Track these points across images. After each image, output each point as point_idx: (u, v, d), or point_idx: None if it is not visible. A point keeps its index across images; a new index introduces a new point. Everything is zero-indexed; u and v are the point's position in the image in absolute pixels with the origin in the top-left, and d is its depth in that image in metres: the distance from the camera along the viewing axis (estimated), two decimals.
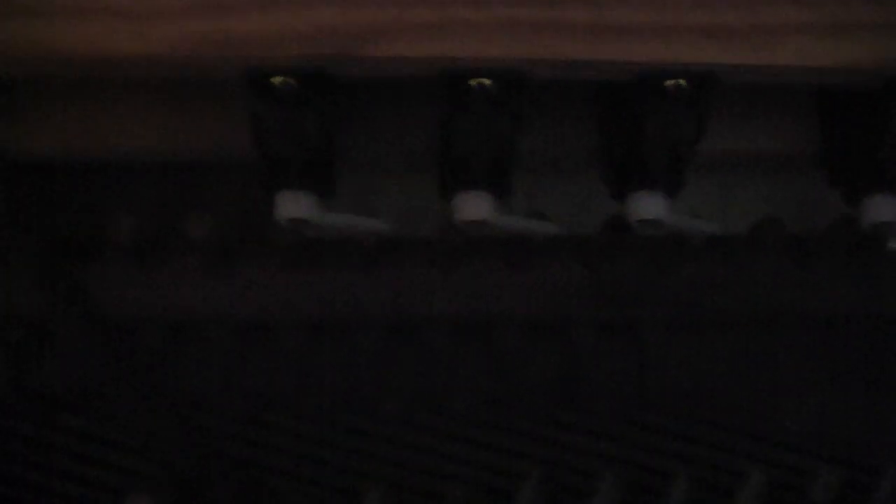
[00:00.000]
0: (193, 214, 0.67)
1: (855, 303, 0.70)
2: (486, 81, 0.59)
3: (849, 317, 0.70)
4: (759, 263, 0.70)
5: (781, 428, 0.71)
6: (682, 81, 0.60)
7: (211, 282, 0.66)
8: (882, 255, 0.69)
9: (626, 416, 0.71)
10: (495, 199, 0.63)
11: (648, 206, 0.64)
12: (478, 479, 0.70)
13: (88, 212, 0.68)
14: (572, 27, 0.59)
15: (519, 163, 0.64)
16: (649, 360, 0.70)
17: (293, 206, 0.62)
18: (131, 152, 0.64)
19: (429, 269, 0.67)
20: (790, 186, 0.74)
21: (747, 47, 0.60)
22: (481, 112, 0.59)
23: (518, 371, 0.69)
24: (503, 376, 0.70)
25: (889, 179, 0.65)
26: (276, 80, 0.58)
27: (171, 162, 0.66)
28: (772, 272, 0.70)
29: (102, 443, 0.68)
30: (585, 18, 0.59)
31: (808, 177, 0.70)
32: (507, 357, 0.70)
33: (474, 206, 0.63)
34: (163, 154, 0.65)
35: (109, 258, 0.67)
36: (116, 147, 0.64)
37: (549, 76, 0.60)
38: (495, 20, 0.59)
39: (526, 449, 0.71)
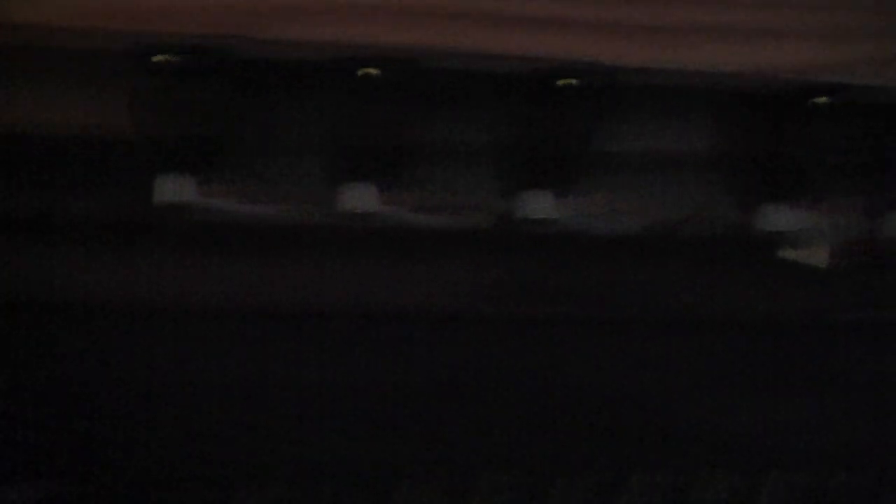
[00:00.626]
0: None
1: (746, 307, 0.70)
2: (374, 71, 0.57)
3: (741, 320, 0.70)
4: (656, 266, 0.70)
5: (675, 428, 0.71)
6: (573, 81, 0.59)
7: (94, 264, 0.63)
8: (775, 262, 0.69)
9: (517, 415, 0.70)
10: (384, 190, 0.61)
11: (539, 204, 0.63)
12: (362, 472, 0.68)
13: None
14: (475, 17, 0.58)
15: (414, 154, 0.62)
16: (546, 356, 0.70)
17: (172, 190, 0.60)
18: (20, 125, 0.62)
19: (319, 259, 0.65)
20: (689, 190, 0.74)
21: (652, 48, 0.59)
22: (369, 101, 0.58)
23: (408, 364, 0.68)
24: (390, 368, 0.69)
25: (786, 190, 0.65)
26: (160, 57, 0.56)
27: (58, 136, 0.63)
28: (667, 274, 0.70)
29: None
30: (491, 8, 0.58)
31: (707, 182, 0.69)
32: (394, 349, 0.69)
33: (361, 198, 0.61)
34: (51, 128, 0.62)
35: None
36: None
37: (449, 66, 0.58)
38: (398, 6, 0.57)
39: (414, 443, 0.70)
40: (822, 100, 0.61)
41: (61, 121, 0.62)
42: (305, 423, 0.69)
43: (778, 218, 0.65)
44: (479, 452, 0.71)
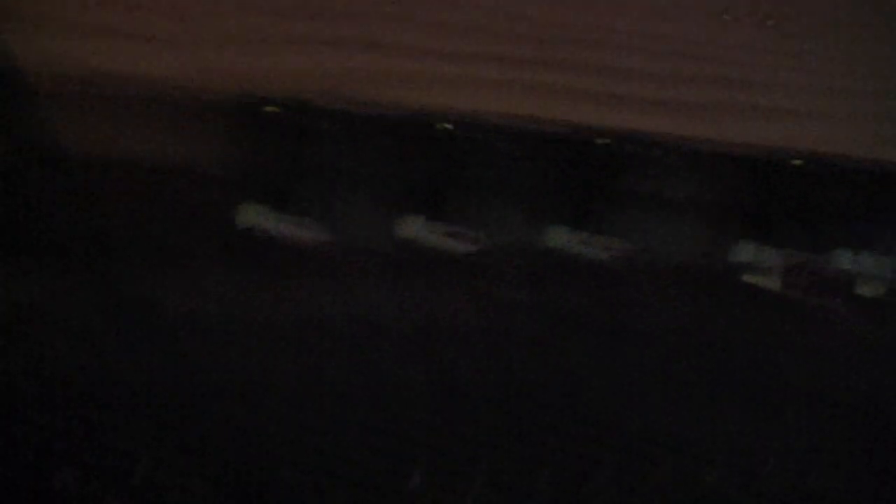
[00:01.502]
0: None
1: (708, 324, 0.82)
2: (450, 127, 0.67)
3: (699, 336, 0.82)
4: (633, 287, 0.81)
5: (629, 427, 0.82)
6: (608, 141, 0.70)
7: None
8: (739, 288, 0.80)
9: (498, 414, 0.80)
10: (436, 222, 0.72)
11: (564, 236, 0.74)
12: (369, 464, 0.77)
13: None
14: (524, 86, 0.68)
15: (463, 192, 0.72)
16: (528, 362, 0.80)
17: (254, 216, 0.69)
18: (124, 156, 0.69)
19: (371, 279, 0.75)
20: (666, 224, 0.86)
21: (663, 118, 0.71)
22: (438, 152, 0.68)
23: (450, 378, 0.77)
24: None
25: (752, 229, 0.77)
26: (271, 108, 0.65)
27: (153, 167, 0.71)
28: (642, 295, 0.81)
29: None
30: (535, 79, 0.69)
31: (683, 218, 0.81)
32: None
33: (417, 228, 0.71)
34: (148, 160, 0.70)
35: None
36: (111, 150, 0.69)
37: (506, 127, 0.69)
38: (463, 75, 0.67)
39: (410, 436, 0.78)
40: (797, 163, 0.74)
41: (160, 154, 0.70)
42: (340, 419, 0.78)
43: (753, 254, 0.77)
44: (474, 445, 0.81)
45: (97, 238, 0.73)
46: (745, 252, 0.77)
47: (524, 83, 0.66)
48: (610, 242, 0.80)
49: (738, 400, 0.85)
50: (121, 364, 0.71)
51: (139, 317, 0.74)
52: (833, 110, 0.75)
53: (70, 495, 0.70)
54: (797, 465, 0.88)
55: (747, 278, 0.81)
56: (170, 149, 0.69)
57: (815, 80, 0.72)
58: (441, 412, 0.80)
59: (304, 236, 0.70)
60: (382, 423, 0.80)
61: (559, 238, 0.73)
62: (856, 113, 0.76)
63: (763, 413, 0.87)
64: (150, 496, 0.73)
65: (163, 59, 0.61)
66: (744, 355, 0.87)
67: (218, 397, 0.76)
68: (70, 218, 0.73)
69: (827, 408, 0.88)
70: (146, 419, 0.73)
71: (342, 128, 0.72)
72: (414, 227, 0.70)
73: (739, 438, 0.86)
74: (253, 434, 0.77)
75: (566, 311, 0.80)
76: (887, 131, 0.77)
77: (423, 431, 0.81)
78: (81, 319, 0.71)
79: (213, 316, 0.76)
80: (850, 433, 0.90)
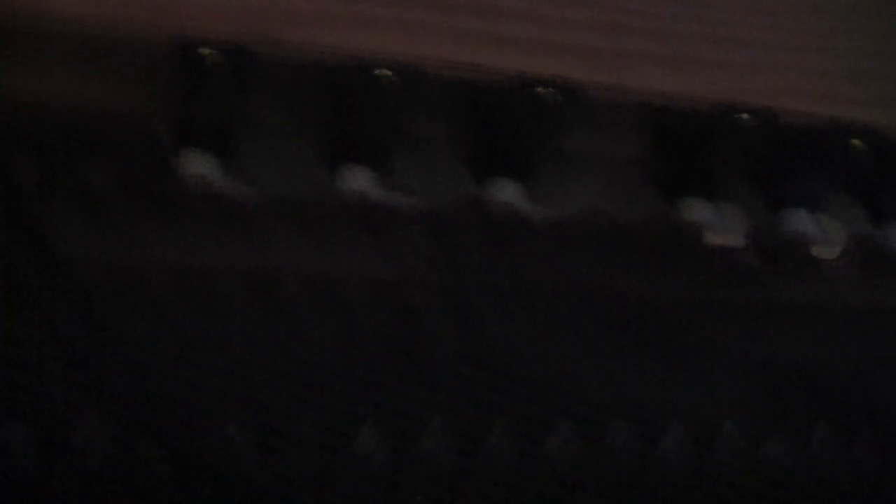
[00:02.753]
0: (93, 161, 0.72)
1: (665, 286, 0.81)
2: (388, 73, 0.67)
3: (657, 297, 0.81)
4: (584, 246, 0.81)
5: (585, 386, 0.82)
6: (552, 90, 0.70)
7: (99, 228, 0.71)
8: (696, 248, 0.80)
9: (454, 370, 0.80)
10: (374, 173, 0.71)
11: (506, 192, 0.73)
12: (322, 421, 0.77)
13: None
14: (465, 33, 0.68)
15: (398, 143, 0.72)
16: (477, 320, 0.80)
17: (198, 164, 0.68)
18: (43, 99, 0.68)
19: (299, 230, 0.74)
20: (615, 183, 0.85)
21: (608, 69, 0.70)
22: (373, 99, 0.67)
23: (363, 325, 0.77)
24: (350, 329, 0.78)
25: (701, 186, 0.77)
26: (206, 52, 0.64)
27: (80, 111, 0.70)
28: (594, 255, 0.81)
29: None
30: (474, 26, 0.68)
31: (632, 177, 0.81)
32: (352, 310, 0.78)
33: (356, 179, 0.71)
34: (73, 103, 0.69)
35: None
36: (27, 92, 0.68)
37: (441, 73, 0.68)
38: (401, 20, 0.67)
39: (366, 395, 0.79)
40: (744, 117, 0.73)
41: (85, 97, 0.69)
42: (275, 373, 0.78)
43: (689, 209, 0.77)
44: (423, 402, 0.81)
45: (22, 186, 0.72)
46: (694, 209, 0.76)
47: (464, 30, 0.65)
48: (552, 197, 0.80)
49: (688, 364, 0.85)
50: (47, 320, 0.70)
51: (68, 271, 0.73)
52: (783, 66, 0.74)
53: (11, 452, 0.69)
54: (751, 432, 0.88)
55: (709, 238, 0.80)
56: (100, 91, 0.68)
57: (760, 35, 0.71)
58: (390, 370, 0.80)
59: (241, 184, 0.69)
60: (324, 379, 0.80)
61: (501, 192, 0.72)
62: (807, 69, 0.75)
63: (716, 379, 0.87)
64: (87, 455, 0.73)
65: None
66: (697, 319, 0.87)
67: (152, 354, 0.75)
68: None
69: (779, 374, 0.88)
70: (74, 377, 0.72)
71: (278, 73, 0.71)
72: (353, 178, 0.69)
73: (691, 404, 0.86)
74: (190, 391, 0.76)
75: (511, 270, 0.80)
76: (837, 88, 0.76)
77: (370, 389, 0.80)
78: (3, 275, 0.70)
79: (146, 268, 0.76)
80: (801, 398, 0.90)
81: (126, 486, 0.73)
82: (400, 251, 0.78)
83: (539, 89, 0.68)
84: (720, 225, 0.78)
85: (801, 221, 0.78)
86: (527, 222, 0.79)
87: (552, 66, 0.69)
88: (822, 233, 0.80)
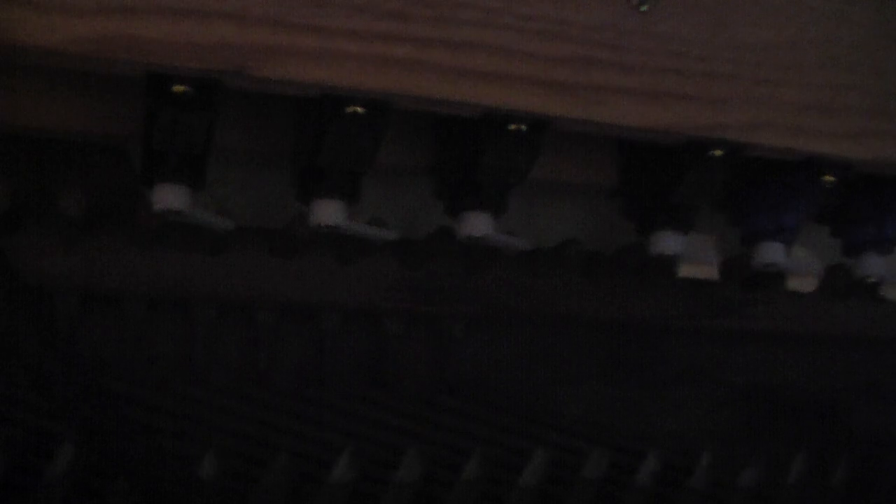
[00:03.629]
0: (66, 189, 0.73)
1: (632, 313, 0.82)
2: (360, 110, 0.67)
3: (627, 323, 0.82)
4: (557, 274, 0.82)
5: (561, 413, 0.83)
6: (522, 126, 0.70)
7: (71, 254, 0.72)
8: (666, 278, 0.81)
9: (429, 397, 0.81)
10: (346, 206, 0.72)
11: (477, 224, 0.74)
12: (297, 448, 0.78)
13: None
14: (437, 67, 0.68)
15: (369, 175, 0.72)
16: (453, 347, 0.81)
17: (170, 197, 0.69)
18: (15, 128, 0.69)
19: (267, 257, 0.76)
20: (592, 213, 0.86)
21: (578, 103, 0.71)
22: (343, 134, 0.68)
23: (337, 352, 0.78)
24: (324, 356, 0.79)
25: (673, 219, 0.77)
26: (178, 88, 0.65)
27: (55, 140, 0.71)
28: (567, 282, 0.81)
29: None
30: (447, 61, 0.69)
31: (608, 207, 0.81)
32: (328, 338, 0.79)
33: (328, 212, 0.71)
34: (50, 132, 0.70)
35: None
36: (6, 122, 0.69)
37: (411, 108, 0.69)
38: (373, 55, 0.67)
39: (341, 422, 0.80)
40: (716, 153, 0.74)
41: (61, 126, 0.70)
42: (254, 402, 0.79)
43: (666, 244, 0.77)
44: (398, 429, 0.82)
45: None
46: (667, 241, 0.76)
47: (436, 65, 0.65)
48: (524, 228, 0.81)
49: (666, 392, 0.86)
50: (15, 347, 0.71)
51: (38, 298, 0.74)
52: (756, 100, 0.75)
53: None
54: (728, 460, 0.89)
55: (683, 271, 0.81)
56: (73, 121, 0.69)
57: (734, 69, 0.72)
58: (364, 397, 0.81)
59: (214, 217, 0.69)
60: (298, 406, 0.81)
61: (472, 224, 0.72)
62: (781, 103, 0.76)
63: (694, 407, 0.88)
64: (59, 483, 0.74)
65: (61, 29, 0.60)
66: (674, 347, 0.88)
67: (124, 382, 0.76)
68: None
69: (754, 397, 0.89)
70: (42, 404, 0.73)
71: (251, 106, 0.72)
72: (324, 209, 0.70)
73: (669, 432, 0.87)
74: (162, 419, 0.77)
75: (483, 296, 0.81)
76: (811, 122, 0.77)
77: (344, 417, 0.81)
78: None
79: (118, 296, 0.77)
80: (779, 426, 0.91)
81: None
82: (373, 281, 0.79)
83: (511, 126, 0.68)
84: (693, 256, 0.79)
85: (774, 253, 0.78)
86: (499, 253, 0.80)
87: (525, 101, 0.70)
88: (796, 264, 0.81)
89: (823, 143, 0.77)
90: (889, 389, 0.90)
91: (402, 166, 0.76)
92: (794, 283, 0.81)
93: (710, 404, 0.85)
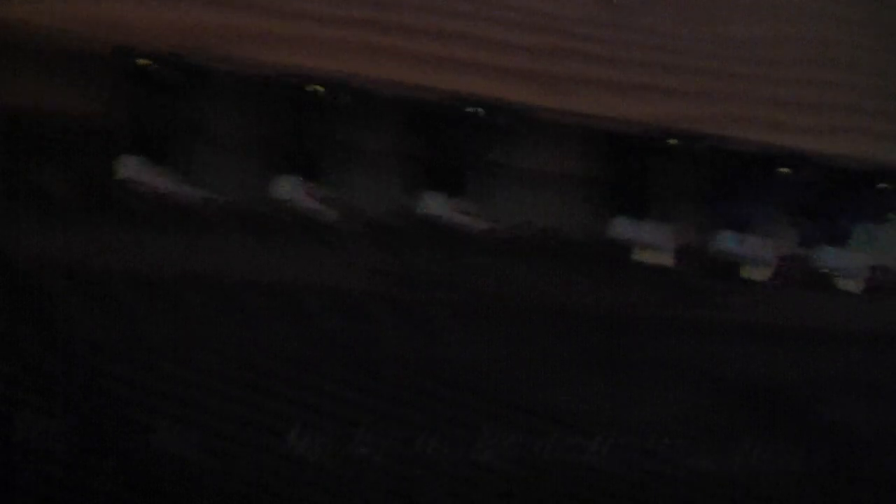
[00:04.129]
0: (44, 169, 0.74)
1: (599, 301, 0.83)
2: (321, 88, 0.68)
3: (592, 312, 0.83)
4: (532, 262, 0.82)
5: (522, 396, 0.83)
6: (480, 110, 0.70)
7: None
8: (626, 265, 0.81)
9: (405, 383, 0.82)
10: (310, 184, 0.73)
11: (436, 205, 0.75)
12: (272, 428, 0.79)
13: None
14: (398, 53, 0.68)
15: (333, 155, 0.73)
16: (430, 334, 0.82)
17: (134, 170, 0.69)
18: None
19: (243, 237, 0.76)
20: (557, 200, 0.86)
21: (545, 92, 0.71)
22: (316, 115, 0.68)
23: (316, 336, 0.79)
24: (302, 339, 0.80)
25: (633, 205, 0.78)
26: (143, 61, 0.65)
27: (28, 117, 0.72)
28: (535, 270, 0.82)
29: None
30: (412, 47, 0.69)
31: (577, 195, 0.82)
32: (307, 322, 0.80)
33: (290, 188, 0.72)
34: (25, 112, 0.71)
35: None
36: None
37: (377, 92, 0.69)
38: (338, 38, 0.67)
39: (316, 404, 0.80)
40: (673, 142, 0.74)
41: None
42: (217, 376, 0.80)
43: (626, 230, 0.78)
44: (359, 409, 0.83)
45: None
46: (625, 228, 0.77)
47: (398, 50, 0.66)
48: (484, 214, 0.81)
49: (627, 379, 0.87)
50: None
51: (17, 274, 0.75)
52: (728, 94, 0.75)
53: None
54: (686, 447, 0.90)
55: (637, 256, 0.82)
56: (47, 97, 0.69)
57: (706, 63, 0.72)
58: (314, 375, 0.82)
59: (178, 192, 0.70)
60: (272, 384, 0.82)
61: (432, 206, 0.73)
62: (753, 98, 0.76)
63: (654, 394, 0.89)
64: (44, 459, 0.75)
65: (32, 6, 0.60)
66: (636, 335, 0.89)
67: (102, 358, 0.77)
68: None
69: (711, 386, 0.90)
70: (24, 380, 0.75)
71: (215, 85, 0.72)
72: (286, 189, 0.71)
73: (628, 417, 0.88)
74: (138, 394, 0.78)
75: (463, 284, 0.81)
76: (783, 116, 0.77)
77: (298, 391, 0.82)
78: None
79: (96, 272, 0.77)
80: (734, 411, 0.92)
81: (82, 491, 0.75)
82: (338, 261, 0.79)
83: (469, 109, 0.69)
84: (651, 243, 0.79)
85: (730, 242, 0.79)
86: (462, 235, 0.80)
87: (495, 89, 0.70)
88: (752, 253, 0.81)
89: (797, 138, 0.77)
90: (857, 383, 0.91)
91: (367, 149, 0.76)
92: (747, 272, 0.82)
93: (682, 394, 0.86)
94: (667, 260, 0.81)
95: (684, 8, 0.74)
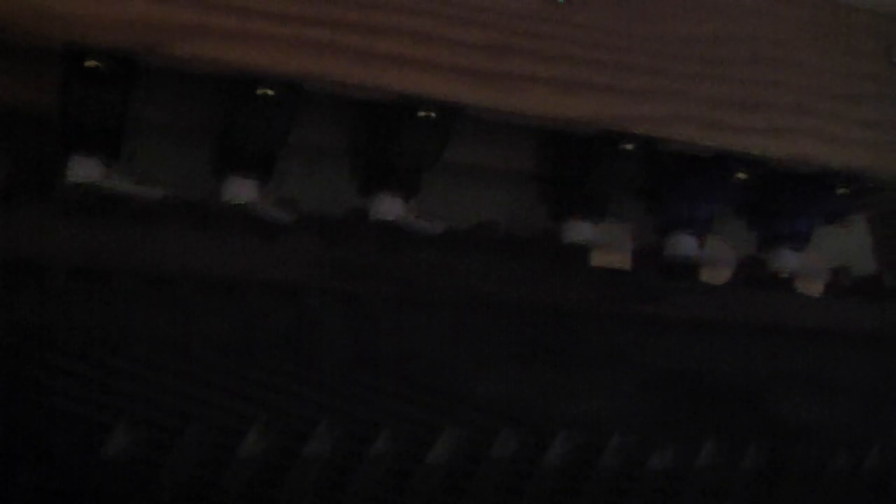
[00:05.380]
0: None
1: (549, 296, 0.83)
2: (270, 92, 0.68)
3: (548, 307, 0.83)
4: (473, 256, 0.82)
5: (475, 393, 0.83)
6: (432, 113, 0.71)
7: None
8: (578, 264, 0.82)
9: (346, 373, 0.82)
10: (259, 183, 0.73)
11: (389, 207, 0.75)
12: (214, 418, 0.79)
13: None
14: (353, 51, 0.69)
15: (287, 155, 0.74)
16: (372, 326, 0.82)
17: (83, 169, 0.70)
18: None
19: (189, 230, 0.76)
20: (508, 197, 0.87)
21: (493, 90, 0.72)
22: (260, 116, 0.69)
23: (258, 327, 0.79)
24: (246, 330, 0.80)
25: (586, 208, 0.79)
26: (91, 62, 0.66)
27: None
28: (483, 264, 0.82)
29: None
30: (362, 45, 0.70)
31: (524, 191, 0.82)
32: (250, 313, 0.80)
33: (238, 190, 0.72)
34: None
35: None
36: None
37: (327, 91, 0.70)
38: (288, 37, 0.68)
39: (257, 395, 0.80)
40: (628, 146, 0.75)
41: None
42: (171, 371, 0.80)
43: (577, 232, 0.79)
44: (313, 403, 0.82)
45: None
46: (580, 229, 0.78)
47: (353, 48, 0.67)
48: (437, 213, 0.82)
49: (579, 375, 0.87)
50: None
51: None
52: (672, 93, 0.76)
53: None
54: (639, 443, 0.90)
55: (596, 259, 0.82)
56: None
57: (651, 62, 0.73)
58: (272, 369, 0.81)
59: (120, 185, 0.70)
60: (217, 379, 0.81)
61: (384, 204, 0.74)
62: (696, 97, 0.77)
63: (607, 390, 0.89)
64: None
65: None
66: (588, 331, 0.89)
67: (47, 351, 0.77)
68: None
69: (673, 383, 0.90)
70: None
71: (165, 84, 0.73)
72: (239, 189, 0.71)
73: (581, 413, 0.88)
74: (85, 388, 0.78)
75: (402, 276, 0.81)
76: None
77: (259, 389, 0.82)
78: None
79: (41, 265, 0.77)
80: (691, 411, 0.92)
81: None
82: (287, 258, 0.80)
83: (420, 113, 0.70)
84: (606, 244, 0.80)
85: (685, 245, 0.80)
86: (412, 233, 0.81)
87: (439, 87, 0.71)
88: (709, 254, 0.82)
89: (740, 138, 0.78)
90: (806, 379, 0.91)
91: (324, 146, 0.77)
92: (706, 275, 0.82)
93: (628, 388, 0.86)
94: (624, 263, 0.81)
95: (629, 6, 0.75)
